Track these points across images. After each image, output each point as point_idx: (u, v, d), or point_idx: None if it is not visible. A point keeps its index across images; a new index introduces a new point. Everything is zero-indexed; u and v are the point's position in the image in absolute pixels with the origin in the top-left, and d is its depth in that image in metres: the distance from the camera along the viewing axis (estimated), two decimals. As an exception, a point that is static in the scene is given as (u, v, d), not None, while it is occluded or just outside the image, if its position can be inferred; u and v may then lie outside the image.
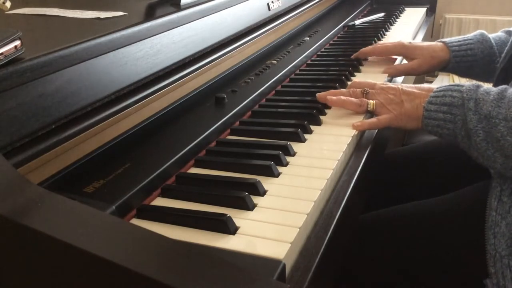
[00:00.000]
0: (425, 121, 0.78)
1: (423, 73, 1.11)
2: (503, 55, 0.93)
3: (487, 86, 0.75)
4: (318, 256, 0.55)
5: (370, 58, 1.18)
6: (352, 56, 1.16)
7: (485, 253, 0.73)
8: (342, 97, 0.87)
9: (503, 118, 0.69)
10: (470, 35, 1.08)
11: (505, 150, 0.69)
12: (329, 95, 0.88)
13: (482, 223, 0.75)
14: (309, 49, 1.18)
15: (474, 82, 0.76)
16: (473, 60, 1.05)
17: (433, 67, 1.08)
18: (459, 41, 1.07)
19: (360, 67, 1.12)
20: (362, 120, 0.83)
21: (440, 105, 0.76)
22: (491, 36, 1.07)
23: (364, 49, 1.16)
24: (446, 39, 1.08)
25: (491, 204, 0.74)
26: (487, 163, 0.72)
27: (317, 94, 0.89)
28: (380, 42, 1.27)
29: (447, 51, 1.06)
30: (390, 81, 1.08)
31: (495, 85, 0.75)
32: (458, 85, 0.76)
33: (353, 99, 0.86)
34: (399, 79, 1.12)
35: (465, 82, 0.80)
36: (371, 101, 0.85)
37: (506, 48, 0.92)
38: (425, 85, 0.84)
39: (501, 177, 0.74)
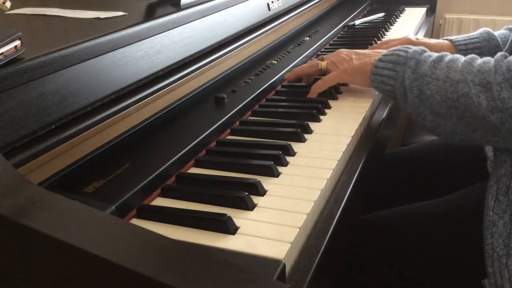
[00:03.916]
0: (372, 77, 0.83)
1: None
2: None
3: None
4: (318, 256, 0.55)
5: None
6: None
7: (484, 253, 0.73)
8: (296, 68, 0.99)
9: (435, 78, 0.73)
10: (475, 33, 1.07)
11: (433, 107, 0.73)
12: (295, 73, 0.99)
13: (481, 224, 0.75)
14: (309, 49, 1.18)
15: (422, 47, 0.81)
16: None
17: None
18: (465, 39, 1.05)
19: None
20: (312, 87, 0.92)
21: (387, 63, 0.81)
22: (497, 34, 1.05)
23: (373, 46, 1.14)
24: (452, 37, 1.07)
25: (488, 203, 0.74)
26: (418, 119, 0.76)
27: (286, 77, 1.00)
28: (385, 38, 1.25)
29: (454, 50, 1.04)
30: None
31: None
32: (407, 47, 0.81)
33: (305, 64, 0.97)
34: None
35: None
36: (322, 62, 0.92)
37: (507, 45, 0.92)
38: (383, 50, 0.88)
39: (496, 175, 0.74)
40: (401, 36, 1.28)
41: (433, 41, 1.08)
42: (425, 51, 0.79)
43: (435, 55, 0.77)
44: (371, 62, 0.84)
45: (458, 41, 1.05)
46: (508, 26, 1.08)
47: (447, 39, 1.07)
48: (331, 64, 0.92)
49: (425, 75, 0.74)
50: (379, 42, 1.19)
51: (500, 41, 1.04)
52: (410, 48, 0.80)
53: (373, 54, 0.87)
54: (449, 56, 0.75)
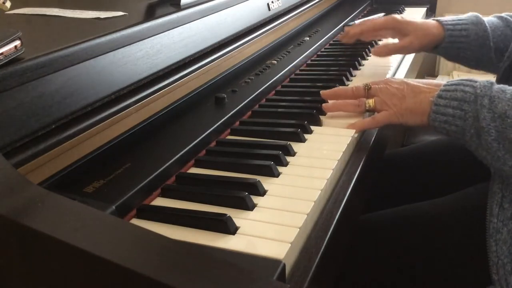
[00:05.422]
0: (433, 116, 0.73)
1: (414, 51, 1.08)
2: (507, 54, 0.92)
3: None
4: (318, 256, 0.55)
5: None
6: (340, 38, 1.19)
7: (487, 254, 0.72)
8: (338, 101, 0.85)
9: None
10: (463, 16, 1.05)
11: None
12: (333, 93, 0.87)
13: (484, 225, 0.74)
14: (309, 49, 1.18)
15: (488, 78, 0.73)
16: (466, 41, 1.03)
17: (425, 46, 1.06)
18: (453, 20, 1.04)
19: (360, 67, 1.12)
20: (357, 121, 0.81)
21: (450, 100, 0.71)
22: (485, 19, 1.05)
23: (350, 28, 1.14)
24: (441, 18, 1.06)
25: (492, 210, 0.72)
26: (495, 164, 0.69)
27: (322, 92, 0.88)
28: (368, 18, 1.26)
29: (441, 29, 1.03)
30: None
31: (499, 83, 0.74)
32: (471, 80, 0.72)
33: (349, 100, 0.84)
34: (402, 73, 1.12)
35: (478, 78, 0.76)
36: (370, 100, 0.81)
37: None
38: (434, 81, 0.81)
39: (502, 182, 0.73)
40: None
41: (420, 20, 1.07)
42: (493, 84, 0.70)
43: (509, 89, 0.68)
44: (429, 100, 0.74)
45: (446, 21, 1.04)
46: (497, 14, 1.08)
47: (434, 19, 1.06)
48: (380, 102, 0.80)
49: (506, 115, 0.65)
50: (362, 20, 1.14)
51: (488, 26, 1.03)
52: (475, 81, 0.71)
53: (427, 88, 0.77)
54: None
